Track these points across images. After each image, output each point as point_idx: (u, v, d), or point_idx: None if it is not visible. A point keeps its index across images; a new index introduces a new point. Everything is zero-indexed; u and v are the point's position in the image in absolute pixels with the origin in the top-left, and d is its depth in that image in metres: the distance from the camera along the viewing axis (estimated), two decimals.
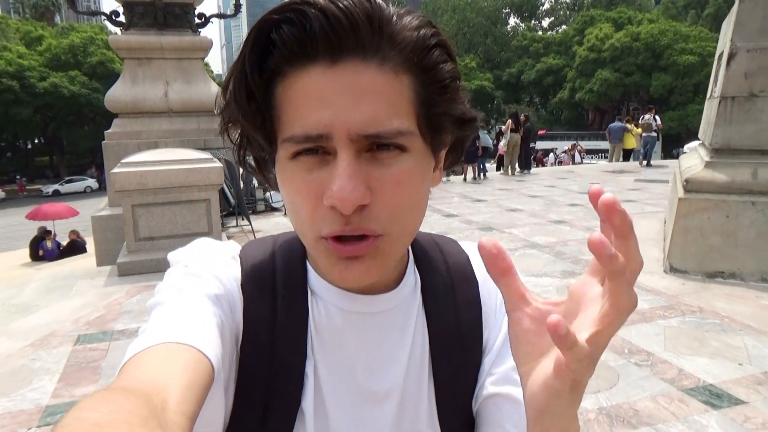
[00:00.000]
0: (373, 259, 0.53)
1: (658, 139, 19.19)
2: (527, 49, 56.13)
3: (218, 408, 0.53)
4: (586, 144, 32.33)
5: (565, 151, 28.04)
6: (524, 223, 7.90)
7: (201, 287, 0.57)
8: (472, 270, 0.71)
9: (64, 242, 12.88)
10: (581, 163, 24.34)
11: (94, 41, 40.12)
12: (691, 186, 5.18)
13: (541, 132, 43.91)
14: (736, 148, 5.07)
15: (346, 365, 0.63)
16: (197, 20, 9.02)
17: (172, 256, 0.64)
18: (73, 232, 12.82)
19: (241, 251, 0.66)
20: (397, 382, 0.64)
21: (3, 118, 36.65)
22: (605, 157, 23.17)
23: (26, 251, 13.72)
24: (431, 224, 7.92)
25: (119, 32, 8.73)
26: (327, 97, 0.49)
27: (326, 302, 0.63)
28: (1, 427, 2.85)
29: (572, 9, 64.78)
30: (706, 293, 4.70)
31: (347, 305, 0.62)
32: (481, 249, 0.44)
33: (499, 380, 0.66)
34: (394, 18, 0.51)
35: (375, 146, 0.51)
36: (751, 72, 4.96)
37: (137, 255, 5.73)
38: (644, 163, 15.18)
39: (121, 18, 8.62)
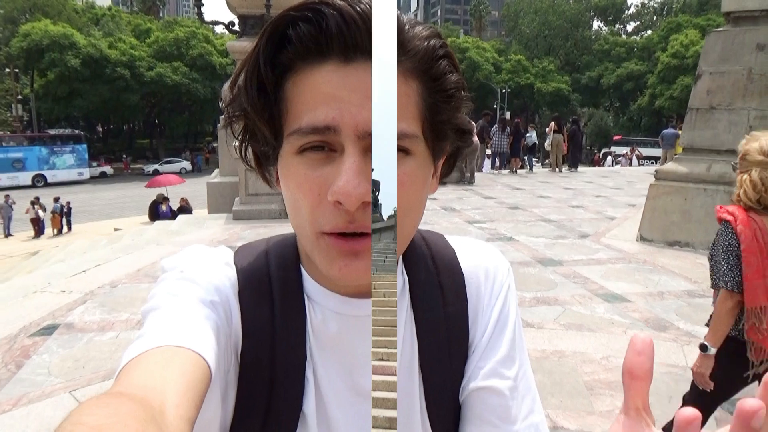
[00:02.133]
0: None
1: None
2: (609, 53, 55.94)
3: (215, 411, 0.55)
4: (649, 151, 32.52)
5: (623, 155, 28.75)
6: (547, 205, 9.57)
7: (196, 292, 0.57)
8: (459, 264, 0.72)
9: (175, 207, 15.61)
10: (638, 166, 25.15)
11: (196, 35, 44.13)
12: (659, 175, 6.76)
13: (616, 137, 44.08)
14: (697, 148, 6.59)
15: (344, 366, 0.65)
16: None
17: (166, 262, 0.64)
18: (183, 199, 15.52)
19: (234, 257, 0.67)
20: None
21: (114, 103, 41.34)
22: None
23: (139, 217, 16.76)
24: (471, 202, 9.74)
25: (221, 34, 11.08)
26: (337, 93, 0.51)
27: (322, 307, 0.64)
28: None
29: (659, 14, 63.65)
30: (658, 254, 6.29)
31: (343, 309, 0.64)
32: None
33: (486, 374, 0.67)
34: (407, 27, 0.53)
35: None
36: (711, 90, 6.46)
37: (246, 205, 7.96)
38: None
39: (236, 27, 10.98)
